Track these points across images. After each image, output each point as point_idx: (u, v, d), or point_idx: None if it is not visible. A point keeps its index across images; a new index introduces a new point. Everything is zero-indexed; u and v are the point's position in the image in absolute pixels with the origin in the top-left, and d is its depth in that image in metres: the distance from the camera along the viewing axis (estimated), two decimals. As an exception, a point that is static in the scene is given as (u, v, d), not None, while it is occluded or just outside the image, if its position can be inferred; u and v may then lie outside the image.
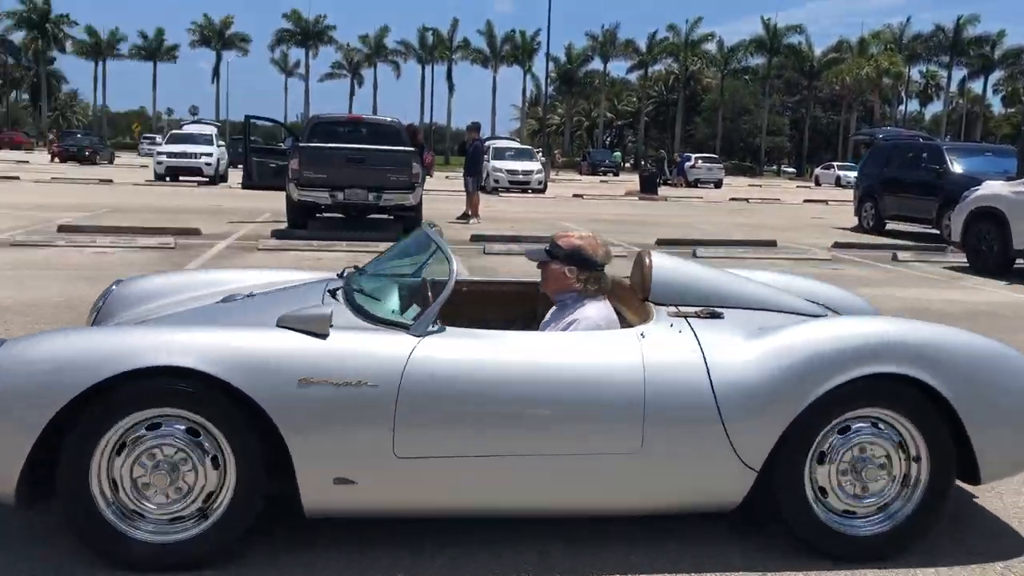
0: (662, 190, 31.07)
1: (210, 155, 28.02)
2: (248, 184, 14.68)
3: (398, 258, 3.71)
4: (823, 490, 2.98)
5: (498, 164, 28.57)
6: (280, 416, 2.67)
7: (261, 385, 2.67)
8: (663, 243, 13.39)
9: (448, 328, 2.94)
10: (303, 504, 2.79)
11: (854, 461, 2.96)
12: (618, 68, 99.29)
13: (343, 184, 12.86)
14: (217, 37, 78.54)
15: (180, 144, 28.76)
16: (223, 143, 31.30)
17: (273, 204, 15.64)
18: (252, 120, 15.58)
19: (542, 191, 28.98)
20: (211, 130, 31.31)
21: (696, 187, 38.57)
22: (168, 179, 27.63)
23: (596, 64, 79.07)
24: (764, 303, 3.35)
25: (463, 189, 17.21)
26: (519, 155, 30.39)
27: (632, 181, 35.19)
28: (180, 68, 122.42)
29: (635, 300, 3.39)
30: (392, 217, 13.90)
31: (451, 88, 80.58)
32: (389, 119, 14.87)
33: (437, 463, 2.77)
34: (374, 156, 13.06)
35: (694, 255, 12.04)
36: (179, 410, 2.70)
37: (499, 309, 3.95)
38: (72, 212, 15.12)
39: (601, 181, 43.28)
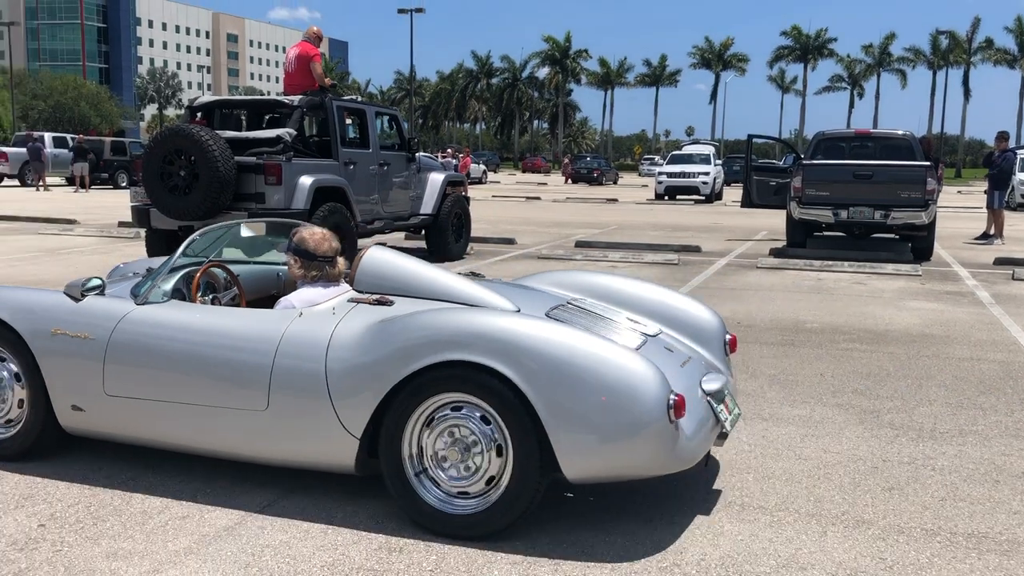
0: None
1: (707, 174, 28.90)
2: (748, 203, 14.70)
3: (240, 245, 4.70)
4: (424, 467, 3.19)
5: (1027, 177, 25.12)
6: (39, 354, 3.73)
7: (30, 330, 3.74)
8: None
9: (173, 301, 3.74)
10: (59, 422, 3.75)
11: (449, 443, 3.15)
12: None
13: (848, 202, 12.24)
14: (716, 59, 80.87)
15: (679, 164, 30.16)
16: (719, 162, 32.03)
17: (769, 222, 15.56)
18: (753, 139, 15.60)
19: (1086, 208, 24.78)
20: (708, 150, 32.30)
21: None
22: (667, 198, 29.11)
23: None
24: (451, 296, 3.50)
25: (984, 206, 15.42)
26: (1055, 166, 26.34)
27: None
28: (678, 91, 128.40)
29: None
30: (898, 237, 12.92)
31: (966, 94, 73.25)
32: (901, 132, 13.85)
33: (131, 402, 3.60)
34: (883, 172, 12.25)
35: None
36: None
37: None
38: (585, 229, 16.64)
39: None
